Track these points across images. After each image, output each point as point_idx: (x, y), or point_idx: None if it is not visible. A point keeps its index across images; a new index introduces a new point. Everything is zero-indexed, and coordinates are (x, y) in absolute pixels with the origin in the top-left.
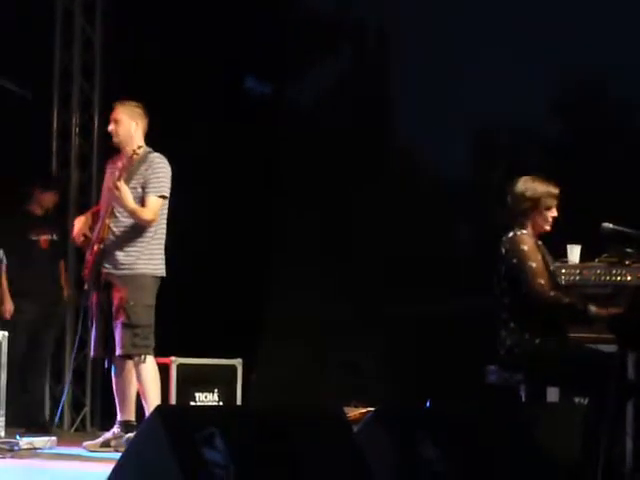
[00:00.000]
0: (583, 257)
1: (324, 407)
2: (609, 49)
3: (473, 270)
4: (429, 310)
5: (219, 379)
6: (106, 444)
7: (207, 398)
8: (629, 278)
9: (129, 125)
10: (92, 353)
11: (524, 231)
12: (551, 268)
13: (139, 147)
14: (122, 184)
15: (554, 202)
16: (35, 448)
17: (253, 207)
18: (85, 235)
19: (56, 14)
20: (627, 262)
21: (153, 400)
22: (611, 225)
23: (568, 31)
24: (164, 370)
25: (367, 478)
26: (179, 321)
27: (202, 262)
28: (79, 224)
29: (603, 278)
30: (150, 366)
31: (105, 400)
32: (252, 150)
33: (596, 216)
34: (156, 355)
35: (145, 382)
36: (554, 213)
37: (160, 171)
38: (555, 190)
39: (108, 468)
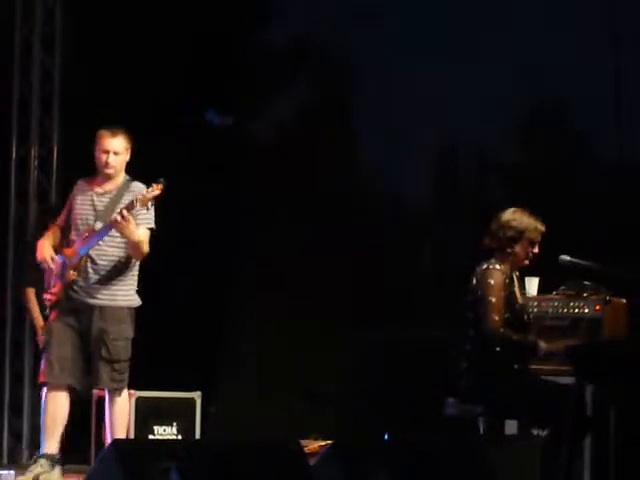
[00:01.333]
0: (541, 289)
1: (281, 441)
2: (571, 77)
3: (435, 300)
4: (388, 341)
5: (178, 412)
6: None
7: (166, 431)
8: (587, 310)
9: (124, 158)
10: (42, 378)
11: (497, 266)
12: (520, 302)
13: (123, 175)
14: (129, 215)
15: (538, 238)
16: None
17: (212, 239)
18: (53, 259)
19: (15, 46)
20: (585, 294)
21: (123, 433)
22: (569, 257)
23: (531, 56)
24: None
25: None
26: (138, 354)
27: (161, 295)
28: (45, 249)
29: (561, 310)
30: (123, 401)
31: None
32: (212, 181)
33: (554, 248)
34: None
35: (118, 416)
36: (536, 249)
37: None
38: (541, 227)
39: None
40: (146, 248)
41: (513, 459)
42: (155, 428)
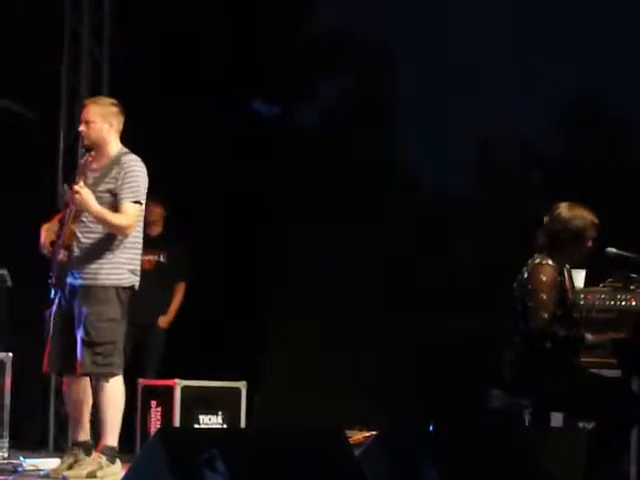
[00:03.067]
0: (587, 282)
1: (326, 430)
2: (610, 69)
3: (476, 292)
4: (432, 332)
5: (223, 402)
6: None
7: (211, 420)
8: (634, 303)
9: (101, 127)
10: (46, 367)
11: (550, 261)
12: (570, 295)
13: (117, 149)
14: (83, 187)
15: (595, 234)
16: (39, 470)
17: (256, 228)
18: (52, 242)
19: (64, 36)
20: (632, 287)
21: (111, 425)
22: (615, 250)
23: (570, 50)
24: (168, 392)
25: None
26: (184, 344)
27: (206, 285)
28: (45, 232)
29: (608, 303)
30: (113, 388)
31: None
32: (256, 171)
33: (601, 241)
34: (161, 377)
35: (105, 405)
36: (591, 244)
37: (134, 175)
38: (597, 221)
39: None
40: (120, 221)
41: (559, 452)
42: (201, 417)
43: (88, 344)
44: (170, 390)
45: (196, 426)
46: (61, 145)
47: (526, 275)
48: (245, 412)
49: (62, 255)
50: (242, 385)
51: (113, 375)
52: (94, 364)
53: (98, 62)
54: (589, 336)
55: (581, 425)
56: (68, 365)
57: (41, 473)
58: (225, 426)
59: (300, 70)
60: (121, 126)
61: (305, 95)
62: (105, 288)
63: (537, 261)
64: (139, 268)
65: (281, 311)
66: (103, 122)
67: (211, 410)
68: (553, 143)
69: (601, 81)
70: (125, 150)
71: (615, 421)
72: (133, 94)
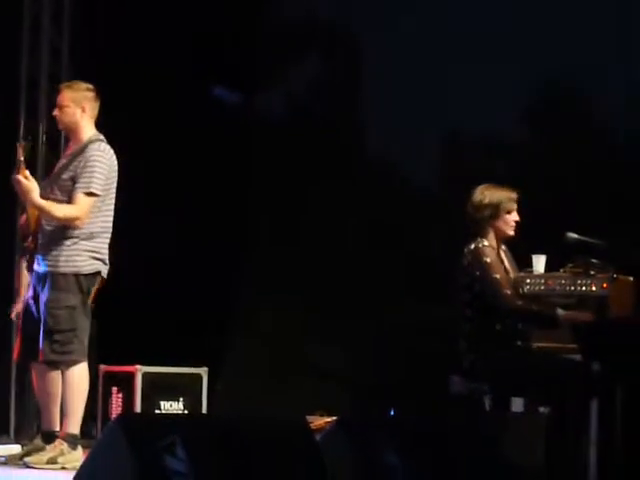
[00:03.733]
0: (548, 267)
1: (286, 416)
2: (577, 57)
3: (438, 279)
4: (393, 319)
5: (184, 388)
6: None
7: (172, 407)
8: (594, 288)
9: (74, 111)
10: (15, 356)
11: (485, 242)
12: (512, 275)
13: (89, 135)
14: (29, 177)
15: (514, 206)
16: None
17: (221, 214)
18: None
19: (23, 23)
20: (592, 272)
21: (73, 412)
22: (576, 235)
23: (536, 38)
24: (129, 378)
25: None
26: (144, 329)
27: (168, 270)
28: (25, 215)
29: (568, 288)
30: (75, 375)
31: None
32: (222, 160)
33: (561, 226)
34: (121, 363)
35: (66, 392)
36: (516, 217)
37: (93, 165)
38: (513, 194)
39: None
40: (64, 212)
41: (519, 436)
42: (161, 403)
43: (47, 331)
44: (131, 376)
45: (157, 412)
46: (21, 134)
47: (466, 263)
48: (206, 398)
49: (29, 241)
50: (203, 371)
51: (74, 363)
52: (53, 352)
53: (58, 49)
54: (561, 311)
55: (542, 409)
56: (34, 353)
57: (1, 459)
58: (186, 412)
59: (266, 56)
60: (96, 111)
61: (271, 82)
62: (65, 275)
63: (472, 246)
64: (106, 257)
65: (244, 297)
66: (76, 107)
67: (172, 396)
68: (521, 133)
69: (569, 70)
70: (97, 137)
71: (571, 404)
72: (93, 81)
